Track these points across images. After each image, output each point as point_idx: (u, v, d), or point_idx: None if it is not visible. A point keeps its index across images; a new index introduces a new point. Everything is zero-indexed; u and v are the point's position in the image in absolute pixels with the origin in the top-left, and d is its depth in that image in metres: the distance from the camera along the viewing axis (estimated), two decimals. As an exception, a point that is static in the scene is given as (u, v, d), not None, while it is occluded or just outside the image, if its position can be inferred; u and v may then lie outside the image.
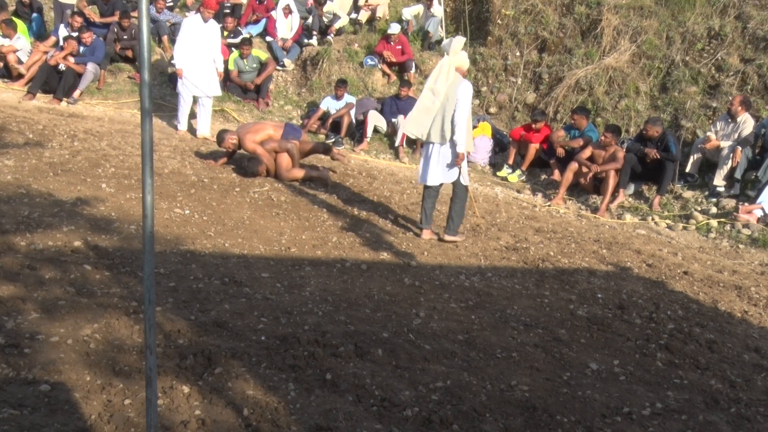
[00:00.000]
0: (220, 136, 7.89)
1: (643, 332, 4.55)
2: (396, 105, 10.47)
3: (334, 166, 8.29)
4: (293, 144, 7.72)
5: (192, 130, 9.49)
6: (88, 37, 10.06)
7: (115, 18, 11.14)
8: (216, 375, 3.29)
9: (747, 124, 8.35)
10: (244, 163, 7.77)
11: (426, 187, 6.29)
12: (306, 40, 12.07)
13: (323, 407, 3.12)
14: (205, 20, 9.11)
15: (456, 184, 6.22)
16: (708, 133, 8.70)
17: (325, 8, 12.35)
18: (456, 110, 5.98)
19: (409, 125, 6.22)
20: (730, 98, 8.81)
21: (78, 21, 10.40)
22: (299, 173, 7.68)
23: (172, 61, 9.48)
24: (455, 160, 6.07)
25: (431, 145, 6.14)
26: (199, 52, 9.08)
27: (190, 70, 9.10)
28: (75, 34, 10.14)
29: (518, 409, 3.35)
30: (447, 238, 6.28)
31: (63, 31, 10.33)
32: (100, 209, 5.63)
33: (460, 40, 6.17)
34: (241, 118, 10.37)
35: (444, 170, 6.16)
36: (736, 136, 8.37)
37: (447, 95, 6.02)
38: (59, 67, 9.84)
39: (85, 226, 5.17)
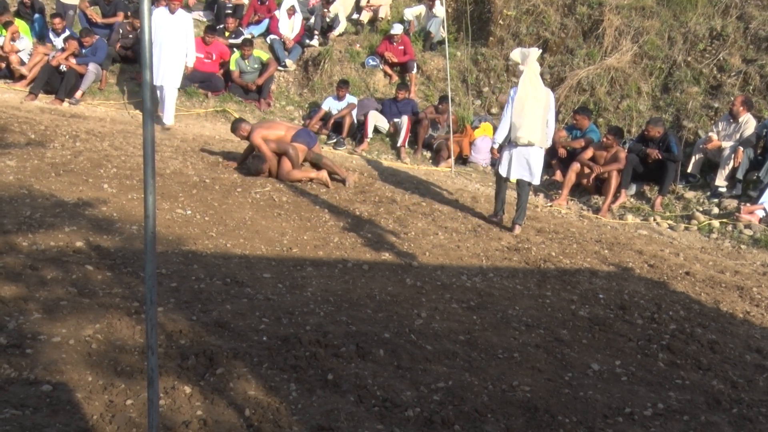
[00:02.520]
0: (236, 124, 8.14)
1: (644, 333, 4.55)
2: (395, 107, 10.49)
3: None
4: (294, 146, 7.73)
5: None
6: (89, 40, 10.07)
7: (118, 18, 11.15)
8: (217, 375, 3.30)
9: (749, 124, 8.35)
10: (248, 161, 7.83)
11: (503, 180, 6.99)
12: (307, 41, 12.08)
13: (325, 407, 3.12)
14: (172, 11, 9.08)
15: (523, 182, 6.92)
16: (710, 134, 8.69)
17: (331, 7, 12.35)
18: (551, 115, 6.89)
19: (526, 134, 6.69)
20: (732, 98, 8.80)
21: (57, 23, 10.42)
22: (298, 175, 7.70)
23: None
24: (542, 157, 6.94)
25: (521, 147, 6.74)
26: (163, 43, 9.04)
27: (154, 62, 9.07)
28: (62, 36, 10.19)
29: (520, 409, 3.35)
30: (518, 230, 6.88)
31: (53, 36, 10.42)
32: (101, 210, 5.64)
33: (536, 52, 6.90)
34: (243, 119, 10.38)
35: (528, 168, 6.82)
36: (737, 136, 8.36)
37: (546, 102, 6.77)
38: (61, 67, 9.86)
39: (87, 226, 5.17)
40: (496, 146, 7.12)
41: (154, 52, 8.99)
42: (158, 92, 9.32)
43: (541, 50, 7.37)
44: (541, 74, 10.77)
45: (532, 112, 6.66)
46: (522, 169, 6.83)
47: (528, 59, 6.77)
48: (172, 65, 9.23)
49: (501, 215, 7.10)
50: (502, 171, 6.95)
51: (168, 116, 9.47)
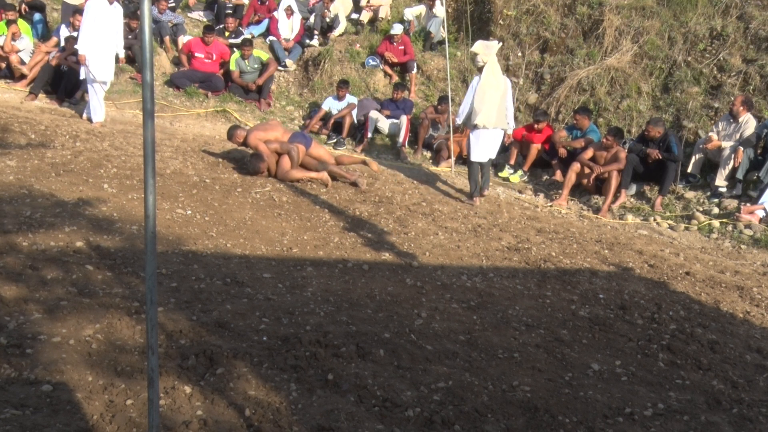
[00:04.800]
0: (231, 131, 8.07)
1: (644, 333, 4.55)
2: (395, 106, 10.49)
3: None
4: (295, 146, 7.75)
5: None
6: None
7: (117, 18, 11.12)
8: (218, 375, 3.30)
9: (749, 124, 8.34)
10: (246, 160, 7.81)
11: (474, 163, 7.93)
12: (307, 41, 12.08)
13: (325, 407, 3.12)
14: (110, 2, 8.75)
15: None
16: (710, 134, 8.69)
17: (331, 7, 12.35)
18: (509, 100, 8.04)
19: (484, 120, 7.71)
20: (732, 98, 8.80)
21: (80, 20, 10.37)
22: (298, 174, 7.70)
23: (75, 46, 9.01)
24: (505, 138, 8.39)
25: (487, 130, 7.78)
26: (103, 36, 8.73)
27: (93, 55, 8.72)
28: (76, 34, 10.13)
29: (520, 409, 3.35)
30: (486, 192, 8.13)
31: (64, 31, 10.32)
32: (102, 210, 5.64)
33: (497, 45, 7.93)
34: (243, 119, 10.38)
35: (492, 148, 7.96)
36: (737, 136, 8.36)
37: (504, 90, 7.85)
38: (61, 67, 9.85)
39: (87, 226, 5.17)
40: (459, 121, 8.18)
41: (97, 46, 8.71)
42: (92, 89, 8.88)
43: (501, 43, 8.64)
44: (541, 74, 10.91)
45: (491, 100, 7.71)
46: (489, 151, 7.98)
47: (491, 51, 7.68)
48: (108, 60, 8.87)
49: (477, 195, 7.98)
50: (478, 158, 7.89)
51: (100, 112, 8.98)
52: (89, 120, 8.97)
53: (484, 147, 7.84)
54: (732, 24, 9.80)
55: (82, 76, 8.96)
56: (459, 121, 8.17)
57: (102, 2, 8.78)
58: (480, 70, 7.74)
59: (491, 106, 7.68)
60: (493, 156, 8.12)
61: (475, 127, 7.76)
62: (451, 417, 3.17)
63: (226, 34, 11.76)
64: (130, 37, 10.80)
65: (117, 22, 8.93)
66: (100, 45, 8.75)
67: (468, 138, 8.14)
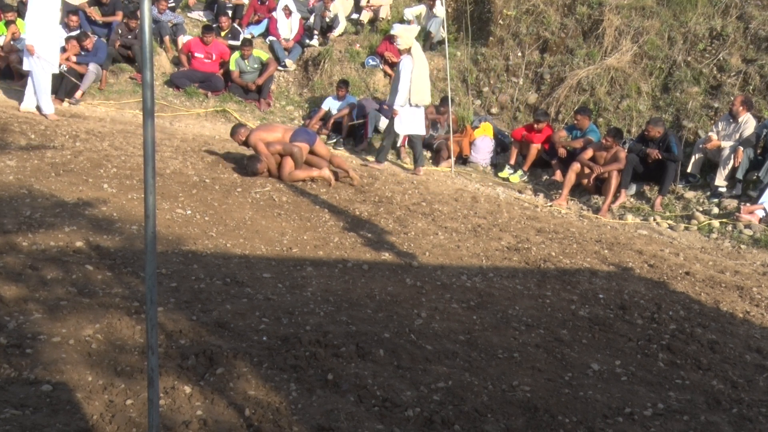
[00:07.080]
0: (234, 129, 8.17)
1: (644, 333, 4.55)
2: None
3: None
4: (299, 147, 7.72)
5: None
6: (89, 43, 10.03)
7: (117, 18, 11.14)
8: (218, 375, 3.30)
9: (748, 124, 8.34)
10: (245, 162, 7.80)
11: (418, 136, 9.03)
12: (307, 41, 12.08)
13: (325, 407, 3.12)
14: None
15: (417, 135, 9.11)
16: (709, 134, 8.69)
17: (331, 6, 12.34)
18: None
19: (426, 97, 8.75)
20: (732, 98, 8.80)
21: (74, 20, 10.38)
22: (301, 175, 7.70)
23: (22, 36, 8.87)
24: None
25: (418, 107, 8.82)
26: (48, 26, 8.66)
27: (41, 46, 8.65)
28: (73, 33, 10.13)
29: (520, 409, 3.35)
30: (422, 172, 8.97)
31: (62, 32, 10.32)
32: (101, 209, 5.64)
33: (417, 28, 9.63)
34: (243, 119, 10.38)
35: (420, 123, 8.95)
36: (737, 136, 8.36)
37: (427, 68, 8.91)
38: (60, 67, 9.83)
39: (87, 226, 5.18)
40: (398, 108, 8.71)
41: (44, 36, 8.60)
42: (37, 79, 8.81)
43: (419, 27, 10.13)
44: (541, 74, 10.91)
45: (427, 79, 8.78)
46: (418, 126, 8.88)
47: (412, 34, 8.61)
48: (53, 50, 8.81)
49: (421, 166, 9.01)
50: (422, 131, 8.97)
51: (30, 101, 8.92)
52: (38, 110, 8.86)
53: (416, 121, 8.79)
54: (732, 24, 9.80)
55: (26, 68, 8.87)
56: (400, 103, 8.66)
57: None
58: (407, 51, 8.59)
59: (428, 85, 8.79)
60: (424, 132, 9.17)
61: (417, 105, 8.68)
62: (451, 417, 3.17)
63: (222, 33, 11.75)
64: (129, 36, 10.82)
65: (56, 11, 8.85)
66: (46, 35, 8.66)
67: (396, 116, 8.80)
